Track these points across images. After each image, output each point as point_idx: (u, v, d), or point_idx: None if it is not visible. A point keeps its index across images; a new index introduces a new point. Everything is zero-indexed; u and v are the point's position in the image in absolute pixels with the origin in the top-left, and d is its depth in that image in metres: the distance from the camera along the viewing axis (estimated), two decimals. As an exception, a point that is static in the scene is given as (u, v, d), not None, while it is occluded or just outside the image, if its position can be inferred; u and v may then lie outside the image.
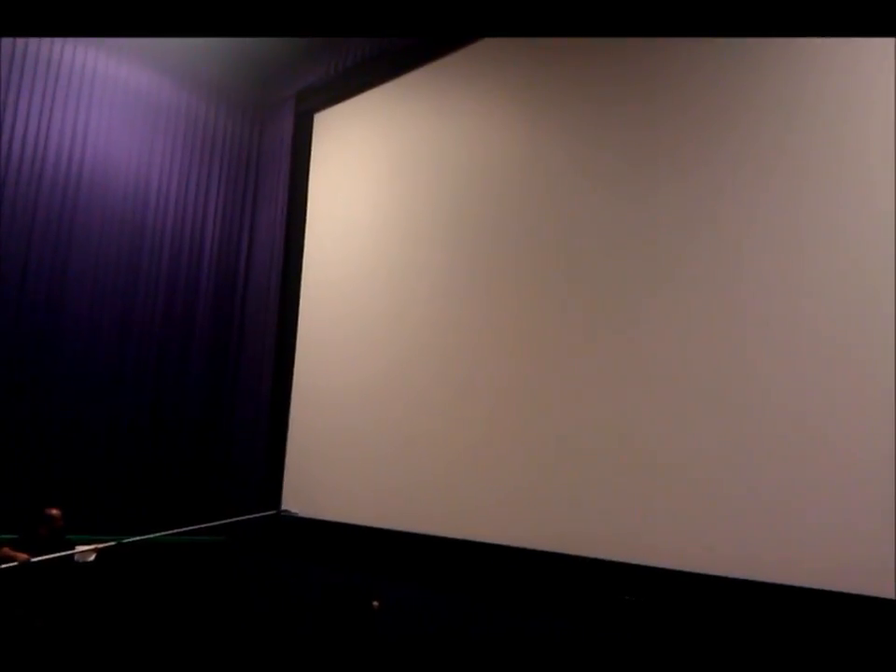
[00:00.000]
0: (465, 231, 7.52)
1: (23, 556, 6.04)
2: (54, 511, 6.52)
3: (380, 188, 8.52)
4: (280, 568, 8.22)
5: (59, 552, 6.25)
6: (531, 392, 6.69)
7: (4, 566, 5.96)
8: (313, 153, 9.54)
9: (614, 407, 6.08)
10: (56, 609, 6.22)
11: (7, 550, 6.08)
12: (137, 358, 8.70)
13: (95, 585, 6.76)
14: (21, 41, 7.98)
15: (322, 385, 8.61)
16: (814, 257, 5.17)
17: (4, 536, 6.47)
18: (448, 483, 7.07)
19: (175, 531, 7.40)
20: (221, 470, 9.23)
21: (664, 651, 5.21)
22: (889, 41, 4.95)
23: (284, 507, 8.58)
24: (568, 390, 6.40)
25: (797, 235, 5.27)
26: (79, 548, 6.21)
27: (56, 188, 8.15)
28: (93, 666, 6.49)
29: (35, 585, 6.15)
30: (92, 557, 6.21)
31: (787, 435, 5.12)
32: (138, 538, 6.89)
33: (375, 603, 6.20)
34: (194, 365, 9.22)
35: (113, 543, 6.46)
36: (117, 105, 8.78)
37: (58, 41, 8.29)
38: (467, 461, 6.98)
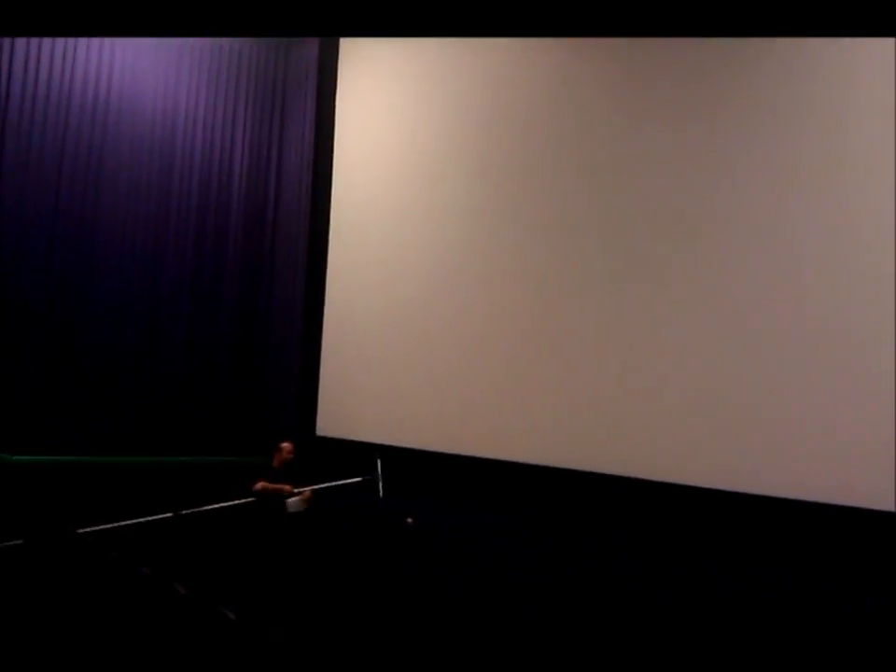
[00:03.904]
0: (493, 153, 7.21)
1: (288, 487, 5.90)
2: (285, 444, 6.31)
3: (407, 110, 8.16)
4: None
5: (289, 483, 6.01)
6: (559, 318, 6.50)
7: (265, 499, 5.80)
8: (339, 75, 9.16)
9: (638, 333, 5.92)
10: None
11: (264, 484, 5.87)
12: (171, 283, 8.54)
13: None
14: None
15: (354, 308, 8.43)
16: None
17: (244, 458, 6.20)
18: (478, 405, 6.95)
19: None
20: (256, 394, 9.16)
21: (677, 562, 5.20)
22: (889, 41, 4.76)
23: (319, 430, 8.52)
24: (594, 317, 6.22)
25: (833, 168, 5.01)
26: (291, 500, 5.89)
27: (84, 116, 7.88)
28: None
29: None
30: (303, 507, 5.94)
31: (792, 353, 5.04)
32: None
33: (409, 520, 6.23)
34: (227, 290, 9.05)
35: (312, 488, 6.15)
36: (141, 34, 8.42)
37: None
38: (496, 383, 6.85)
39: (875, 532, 4.46)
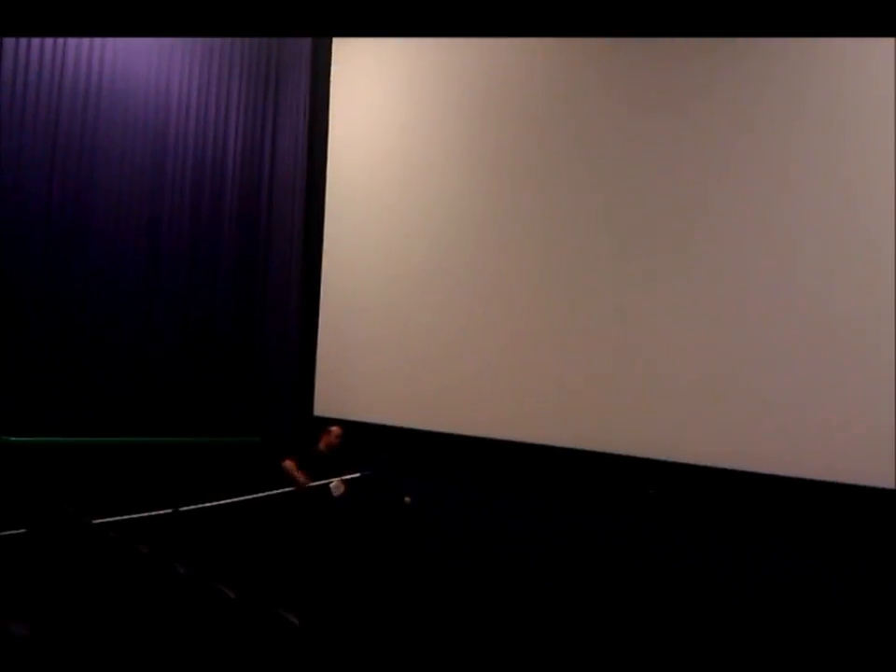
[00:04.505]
0: (489, 134, 7.13)
1: (303, 479, 5.71)
2: (334, 429, 6.19)
3: (403, 89, 8.06)
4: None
5: (334, 470, 5.84)
6: (555, 298, 6.46)
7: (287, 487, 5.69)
8: (334, 54, 9.04)
9: (638, 312, 5.89)
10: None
11: (291, 464, 5.74)
12: (167, 265, 8.44)
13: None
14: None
15: (350, 288, 8.38)
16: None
17: (243, 438, 6.03)
18: (475, 384, 6.92)
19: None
20: (253, 375, 9.13)
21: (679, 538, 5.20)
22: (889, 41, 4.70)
23: (316, 410, 8.50)
24: (591, 297, 6.19)
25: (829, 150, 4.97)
26: (332, 485, 5.70)
27: (77, 98, 7.75)
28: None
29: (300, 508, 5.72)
30: (343, 490, 5.75)
31: (791, 331, 5.00)
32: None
33: (407, 499, 6.24)
34: (223, 271, 8.97)
35: (357, 475, 5.97)
36: (133, 13, 8.27)
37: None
38: (492, 363, 6.82)
39: (876, 509, 4.46)
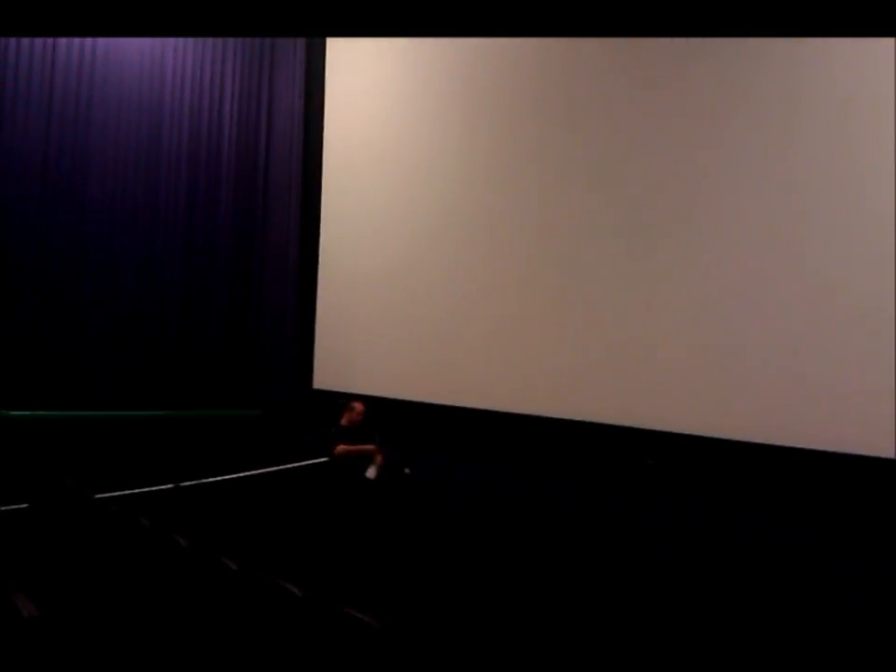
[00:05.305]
0: (486, 104, 7.07)
1: (371, 447, 5.53)
2: (356, 404, 6.00)
3: (398, 62, 7.97)
4: (312, 439, 8.23)
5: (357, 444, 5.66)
6: (551, 272, 6.45)
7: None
8: (328, 26, 8.94)
9: (632, 283, 5.88)
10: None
11: (346, 447, 5.52)
12: (165, 242, 8.41)
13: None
14: None
15: (348, 262, 8.35)
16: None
17: (244, 412, 6.01)
18: (473, 357, 6.93)
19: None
20: (254, 350, 9.12)
21: (678, 508, 5.22)
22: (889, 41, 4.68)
23: (315, 383, 8.51)
24: (586, 270, 6.19)
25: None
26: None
27: (71, 68, 7.66)
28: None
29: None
30: (373, 474, 5.58)
31: (791, 300, 5.01)
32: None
33: (407, 470, 6.25)
34: (221, 245, 8.92)
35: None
36: (126, -18, 8.13)
37: None
38: (490, 336, 6.82)
39: (876, 478, 4.48)
